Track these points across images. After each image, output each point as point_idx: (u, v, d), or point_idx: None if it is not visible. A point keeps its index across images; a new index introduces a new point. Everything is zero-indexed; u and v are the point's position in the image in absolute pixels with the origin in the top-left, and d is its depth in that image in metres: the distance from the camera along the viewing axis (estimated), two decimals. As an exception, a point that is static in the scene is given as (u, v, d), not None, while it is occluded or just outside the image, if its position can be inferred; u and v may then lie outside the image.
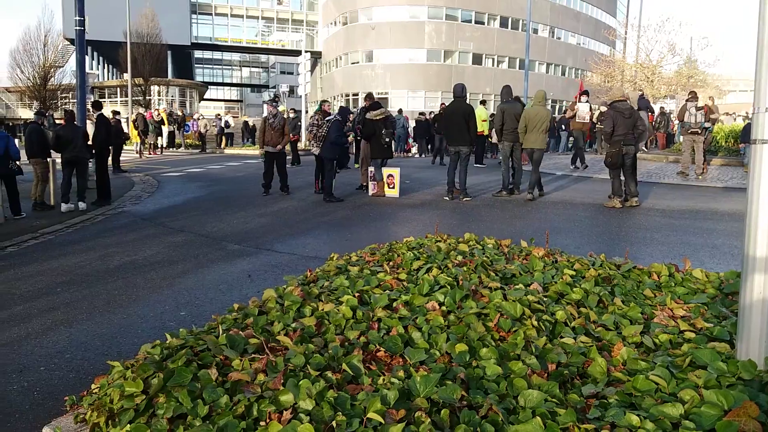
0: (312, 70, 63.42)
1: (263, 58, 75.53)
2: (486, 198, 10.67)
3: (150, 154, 21.53)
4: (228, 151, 25.00)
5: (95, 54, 50.96)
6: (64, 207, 9.88)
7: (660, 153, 18.78)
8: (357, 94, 49.28)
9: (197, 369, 2.66)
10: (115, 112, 16.36)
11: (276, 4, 62.19)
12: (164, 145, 23.37)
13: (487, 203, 10.16)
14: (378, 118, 10.50)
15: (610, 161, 9.18)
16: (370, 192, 11.17)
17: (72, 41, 46.40)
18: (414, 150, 23.11)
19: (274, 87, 75.59)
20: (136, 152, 21.21)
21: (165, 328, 4.42)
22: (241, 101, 79.56)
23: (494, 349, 2.53)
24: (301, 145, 19.41)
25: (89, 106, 12.61)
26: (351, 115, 13.71)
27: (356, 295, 3.48)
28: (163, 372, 2.64)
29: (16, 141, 12.47)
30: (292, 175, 11.99)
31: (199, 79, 63.21)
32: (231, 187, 12.96)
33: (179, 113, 27.20)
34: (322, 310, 3.30)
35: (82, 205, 9.99)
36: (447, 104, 11.41)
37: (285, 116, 11.86)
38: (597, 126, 16.81)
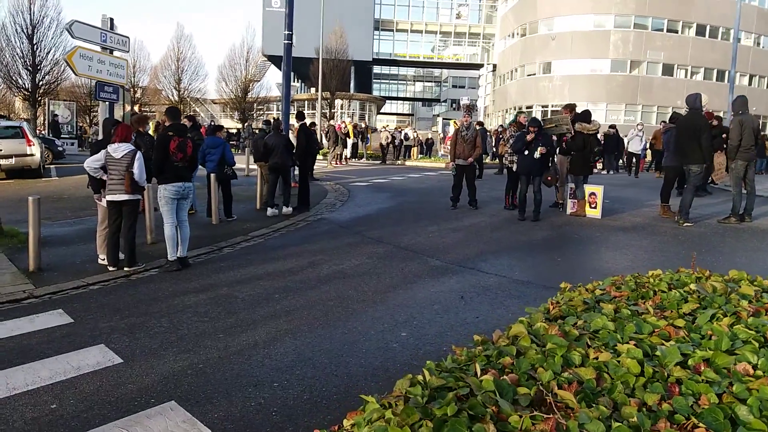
0: (480, 83, 62.96)
1: (436, 72, 76.78)
2: (710, 224, 9.18)
3: (337, 164, 22.59)
4: (408, 163, 25.36)
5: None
6: (269, 211, 10.48)
7: None
8: (531, 107, 47.68)
9: (468, 420, 2.23)
10: (312, 124, 17.32)
11: (455, 18, 62.83)
12: (348, 156, 24.41)
13: (714, 230, 8.70)
14: (591, 131, 9.58)
15: None
16: (569, 211, 10.26)
17: (269, 58, 51.34)
18: (599, 166, 21.43)
19: (445, 101, 76.52)
20: (332, 161, 22.44)
21: (389, 349, 4.15)
22: (412, 115, 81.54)
23: None
24: (487, 159, 18.99)
25: (293, 117, 13.34)
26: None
27: (630, 343, 2.83)
28: (432, 420, 2.24)
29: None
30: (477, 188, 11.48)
31: (375, 93, 66.00)
32: (417, 199, 12.87)
33: (362, 125, 28.32)
34: (596, 358, 2.70)
35: (286, 209, 10.51)
36: (678, 116, 10.12)
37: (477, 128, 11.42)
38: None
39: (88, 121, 38.37)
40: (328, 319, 4.85)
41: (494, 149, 19.50)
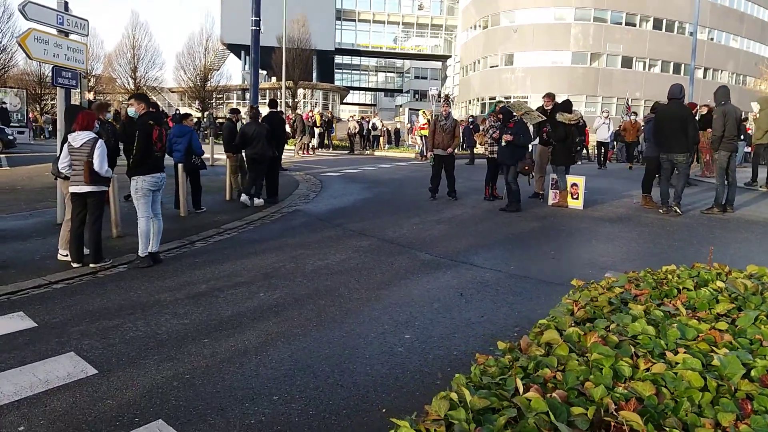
0: (447, 74, 62.98)
1: (398, 63, 76.50)
2: (694, 215, 9.18)
3: (304, 154, 22.05)
4: (377, 153, 25.00)
5: (246, 58, 54.36)
6: (243, 198, 9.96)
7: None
8: (494, 98, 47.93)
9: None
10: (281, 113, 16.74)
11: (417, 9, 62.57)
12: (315, 146, 23.89)
13: (699, 221, 8.67)
14: (573, 122, 9.42)
15: None
16: (550, 202, 10.13)
17: (228, 46, 49.97)
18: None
19: (407, 92, 76.35)
20: (299, 151, 21.90)
21: (395, 354, 3.83)
22: (374, 105, 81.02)
23: None
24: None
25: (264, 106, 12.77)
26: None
27: (679, 350, 2.59)
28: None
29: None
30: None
31: (338, 83, 65.25)
32: (393, 190, 12.55)
33: (329, 115, 27.80)
34: (647, 370, 2.44)
35: (258, 201, 10.03)
36: (659, 106, 10.06)
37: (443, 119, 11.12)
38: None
39: (38, 109, 36.49)
40: (322, 320, 4.49)
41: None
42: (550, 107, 10.11)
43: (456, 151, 11.03)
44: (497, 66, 49.19)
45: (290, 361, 3.75)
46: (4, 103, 25.72)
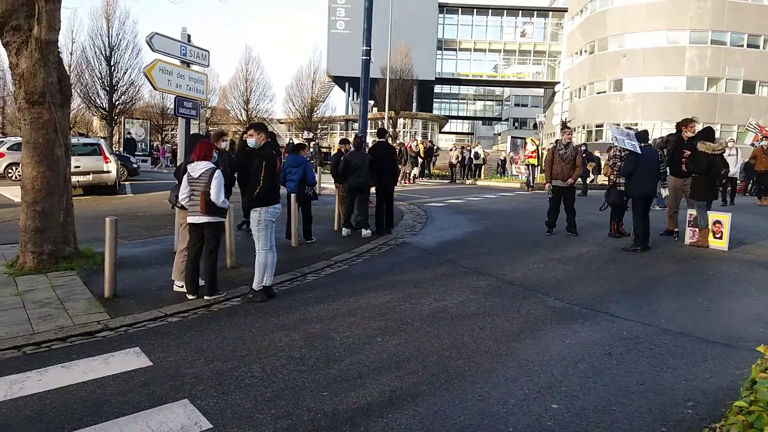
0: (550, 101, 61.11)
1: (497, 91, 75.58)
2: None
3: (405, 183, 21.84)
4: (479, 182, 24.33)
5: (350, 89, 55.90)
6: (344, 231, 9.84)
7: None
8: (600, 125, 45.70)
9: None
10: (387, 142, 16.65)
11: (519, 36, 61.60)
12: (416, 175, 23.65)
13: None
14: (717, 151, 8.36)
15: None
16: (687, 240, 9.01)
17: (334, 78, 51.65)
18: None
19: (506, 120, 74.97)
20: (401, 180, 21.76)
21: (544, 429, 3.21)
22: (471, 134, 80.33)
23: None
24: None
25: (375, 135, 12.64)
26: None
27: None
28: None
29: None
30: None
31: (436, 112, 65.30)
32: (503, 222, 11.86)
33: (430, 144, 27.60)
34: None
35: (365, 232, 9.77)
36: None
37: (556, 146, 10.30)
38: None
39: (160, 139, 39.42)
40: (450, 377, 3.97)
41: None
42: (691, 134, 9.06)
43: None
44: (605, 92, 47.00)
45: (420, 429, 3.25)
46: (130, 133, 27.90)
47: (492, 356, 4.35)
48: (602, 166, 21.08)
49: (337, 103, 64.89)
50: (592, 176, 21.00)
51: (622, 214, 9.77)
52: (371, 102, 50.48)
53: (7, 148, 20.51)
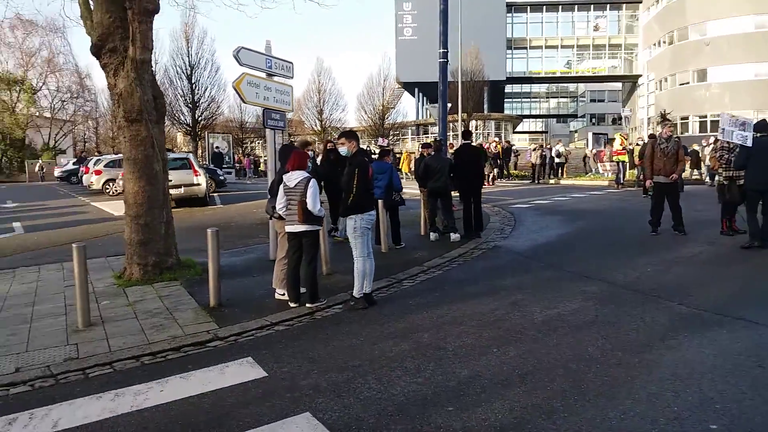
0: (629, 95, 58.41)
1: (571, 87, 73.25)
2: None
3: (486, 184, 21.38)
4: (563, 181, 23.45)
5: (420, 94, 55.78)
6: (432, 236, 9.67)
7: None
8: (686, 118, 43.11)
9: None
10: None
11: (592, 31, 59.38)
12: (495, 176, 23.12)
13: None
14: None
15: None
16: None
17: (403, 84, 51.71)
18: None
19: (583, 116, 72.44)
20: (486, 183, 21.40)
21: (711, 454, 2.83)
22: (545, 132, 78.17)
23: None
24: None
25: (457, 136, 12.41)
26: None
27: None
28: None
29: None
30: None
31: (507, 111, 63.99)
32: (599, 223, 11.24)
33: (506, 144, 26.96)
34: None
35: (454, 236, 9.52)
36: None
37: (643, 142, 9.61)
38: None
39: (241, 151, 40.93)
40: (583, 392, 3.64)
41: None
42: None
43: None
44: (688, 83, 44.34)
45: (565, 449, 2.97)
46: (218, 147, 29.06)
47: (625, 369, 3.98)
48: (699, 160, 19.80)
49: (408, 108, 64.88)
50: (688, 170, 19.73)
51: (734, 211, 9.00)
52: (436, 105, 50.27)
53: (104, 166, 21.90)
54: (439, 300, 6.04)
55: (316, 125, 41.65)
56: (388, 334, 4.99)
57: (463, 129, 12.38)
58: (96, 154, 39.70)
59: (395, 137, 45.50)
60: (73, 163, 34.10)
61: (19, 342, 5.08)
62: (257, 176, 34.61)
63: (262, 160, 37.29)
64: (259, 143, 51.56)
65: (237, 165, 34.14)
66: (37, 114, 48.67)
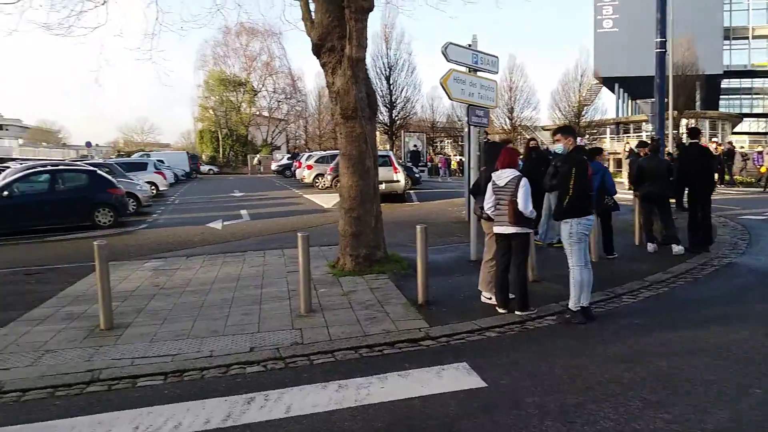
0: None
1: (808, 81, 61.83)
2: None
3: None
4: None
5: (620, 90, 51.59)
6: (650, 247, 8.69)
7: None
8: None
9: None
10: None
11: None
12: (716, 182, 20.29)
13: None
14: None
15: None
16: None
17: (602, 80, 48.26)
18: None
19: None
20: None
21: None
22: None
23: None
24: None
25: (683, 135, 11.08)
26: None
27: None
28: None
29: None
30: None
31: (722, 109, 56.18)
32: None
33: (729, 146, 23.61)
34: None
35: (677, 249, 8.41)
36: None
37: None
38: None
39: (432, 150, 42.01)
40: None
41: None
42: None
43: None
44: None
45: None
46: (416, 146, 30.12)
47: None
48: None
49: (607, 105, 60.53)
50: None
51: None
52: (651, 100, 45.99)
53: (315, 161, 23.98)
54: (671, 322, 5.30)
55: (506, 123, 40.78)
56: (617, 356, 4.45)
57: (689, 127, 10.94)
58: (306, 150, 44.11)
59: (591, 136, 42.62)
60: (288, 158, 38.56)
61: (251, 322, 5.54)
62: (450, 175, 34.86)
63: (453, 159, 37.72)
64: (449, 143, 52.24)
65: (429, 164, 34.93)
66: (257, 113, 56.04)
